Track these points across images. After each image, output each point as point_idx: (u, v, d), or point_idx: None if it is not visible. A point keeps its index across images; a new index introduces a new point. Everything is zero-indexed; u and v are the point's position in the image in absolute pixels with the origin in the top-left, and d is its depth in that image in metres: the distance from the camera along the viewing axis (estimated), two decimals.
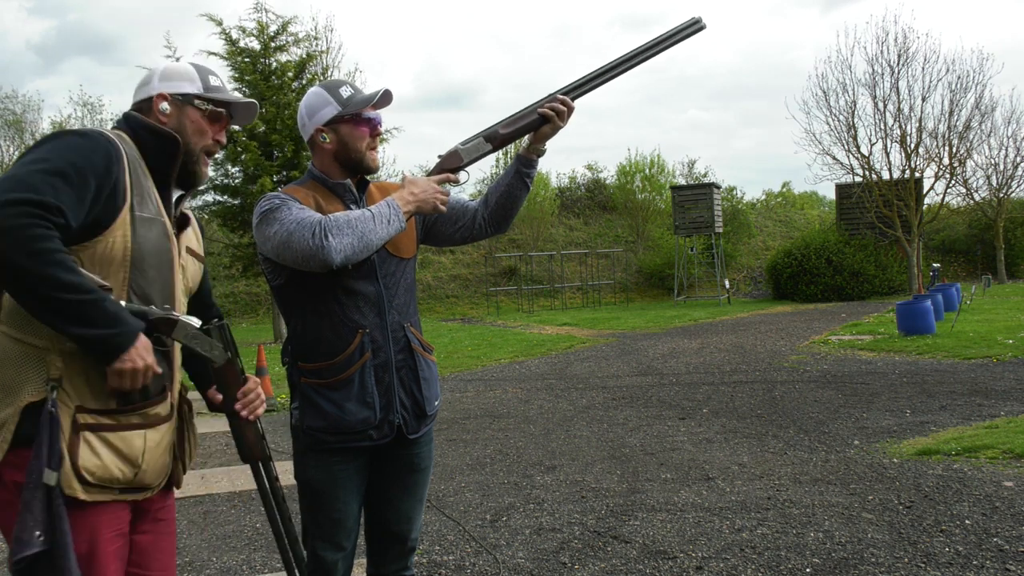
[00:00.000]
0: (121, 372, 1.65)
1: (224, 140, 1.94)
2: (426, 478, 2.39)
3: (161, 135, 1.83)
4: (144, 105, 1.88)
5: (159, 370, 1.72)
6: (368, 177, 2.35)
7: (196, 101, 1.89)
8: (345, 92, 2.22)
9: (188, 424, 1.97)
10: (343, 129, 2.21)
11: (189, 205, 2.04)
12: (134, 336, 1.66)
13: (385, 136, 18.19)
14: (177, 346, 1.87)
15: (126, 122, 1.86)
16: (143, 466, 1.75)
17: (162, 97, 1.87)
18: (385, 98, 2.25)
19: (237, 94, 1.97)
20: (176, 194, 1.90)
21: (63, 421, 1.64)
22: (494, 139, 2.28)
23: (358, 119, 2.21)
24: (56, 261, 1.53)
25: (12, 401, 1.64)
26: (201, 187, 2.09)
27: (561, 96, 2.27)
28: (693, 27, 2.31)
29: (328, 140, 2.22)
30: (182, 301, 1.91)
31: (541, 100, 2.27)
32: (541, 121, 2.27)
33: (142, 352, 1.67)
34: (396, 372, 2.22)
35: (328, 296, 2.16)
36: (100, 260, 1.70)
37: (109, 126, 1.88)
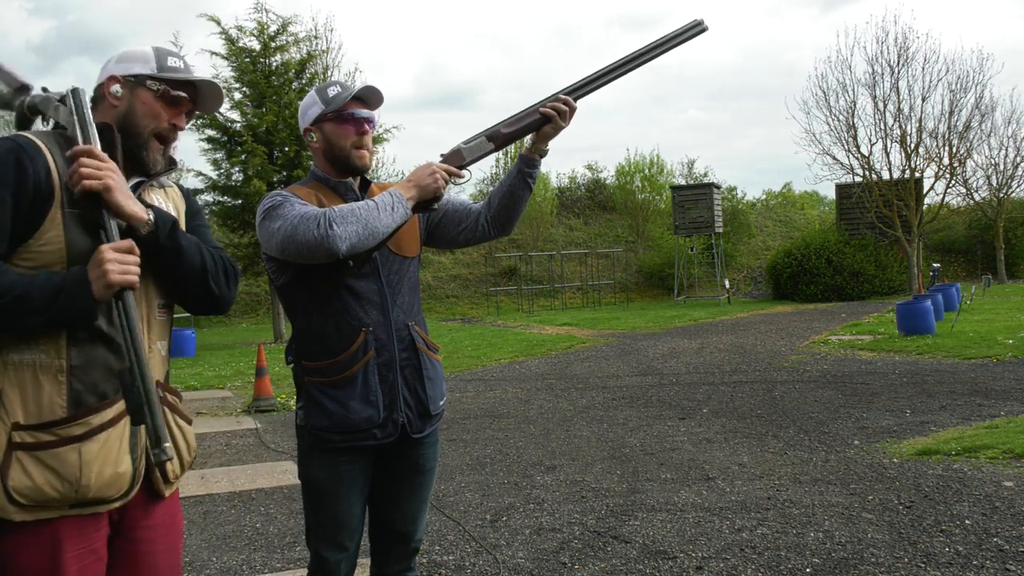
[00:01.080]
0: (109, 288, 1.58)
1: (183, 124, 1.85)
2: (431, 479, 2.38)
3: (131, 134, 1.78)
4: (99, 89, 1.81)
5: (134, 273, 1.62)
6: (371, 178, 2.36)
7: (148, 82, 1.80)
8: (332, 91, 2.23)
9: (171, 425, 1.84)
10: (327, 127, 2.22)
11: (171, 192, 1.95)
12: (80, 279, 1.59)
13: (385, 136, 18.18)
14: (153, 347, 1.79)
15: (64, 102, 1.75)
16: (83, 480, 1.63)
17: (114, 79, 1.79)
18: (370, 96, 2.24)
19: (198, 74, 1.88)
20: (134, 181, 1.80)
21: None
22: (496, 138, 2.28)
23: (340, 117, 2.21)
24: None
25: None
26: (171, 173, 1.98)
27: (563, 96, 2.27)
28: (695, 29, 2.31)
29: (316, 139, 2.25)
30: (153, 290, 1.81)
31: (543, 100, 2.27)
32: (543, 121, 2.27)
33: (105, 266, 1.59)
34: (400, 371, 2.21)
35: (332, 294, 2.17)
36: (39, 264, 1.63)
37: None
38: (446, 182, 2.18)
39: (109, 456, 1.67)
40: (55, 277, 1.59)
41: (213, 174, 17.42)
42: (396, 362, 2.20)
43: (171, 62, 1.83)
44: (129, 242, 1.63)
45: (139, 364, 1.58)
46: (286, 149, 17.09)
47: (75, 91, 1.66)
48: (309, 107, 2.25)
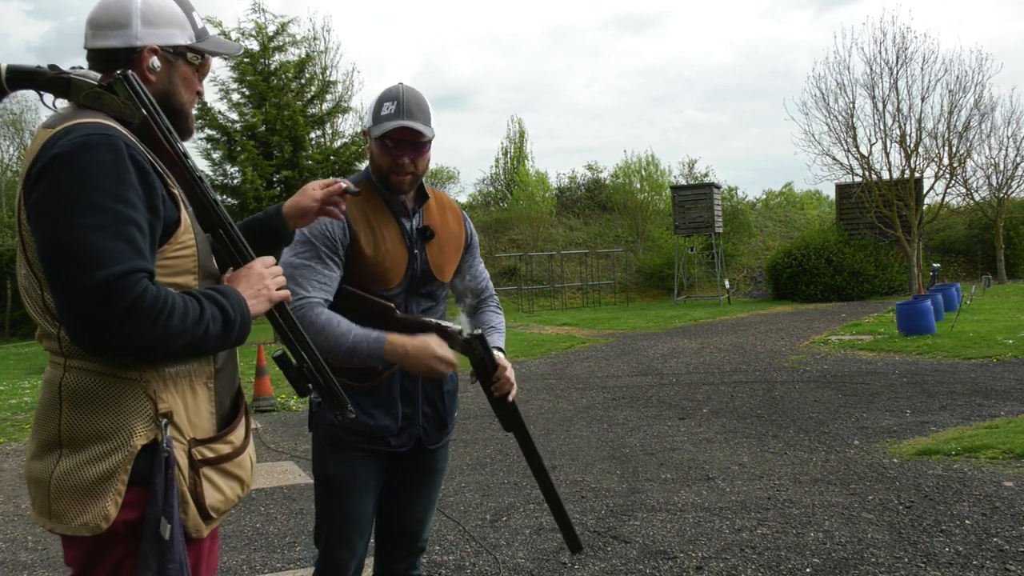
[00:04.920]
0: (271, 303, 1.55)
1: (203, 90, 1.67)
2: (441, 480, 2.42)
3: (173, 112, 1.58)
4: (121, 56, 1.52)
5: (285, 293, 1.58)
6: (429, 188, 2.30)
7: (189, 55, 1.58)
8: (385, 109, 2.12)
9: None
10: (373, 144, 2.17)
11: None
12: (239, 303, 1.47)
13: None
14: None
15: (116, 90, 1.44)
16: (251, 482, 1.63)
17: (152, 51, 1.52)
18: (402, 133, 2.10)
19: (222, 39, 1.69)
20: None
21: (179, 460, 1.44)
22: (484, 361, 2.16)
23: (378, 139, 2.14)
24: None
25: (120, 445, 1.40)
26: None
27: (504, 393, 2.20)
28: (572, 543, 2.33)
29: (367, 145, 2.21)
30: None
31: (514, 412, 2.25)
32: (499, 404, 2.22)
33: (267, 281, 1.54)
34: (422, 384, 2.24)
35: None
36: (174, 272, 1.47)
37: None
38: (439, 372, 2.08)
39: (254, 452, 1.69)
40: (216, 297, 1.45)
41: (210, 171, 17.43)
42: (419, 376, 2.21)
43: (200, 23, 1.62)
44: (272, 259, 1.60)
45: (308, 345, 1.63)
46: (284, 150, 17.09)
47: (128, 76, 1.43)
48: (368, 111, 2.18)
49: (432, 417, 2.27)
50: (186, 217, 1.49)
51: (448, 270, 2.30)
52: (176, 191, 1.48)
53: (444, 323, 2.14)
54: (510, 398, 2.20)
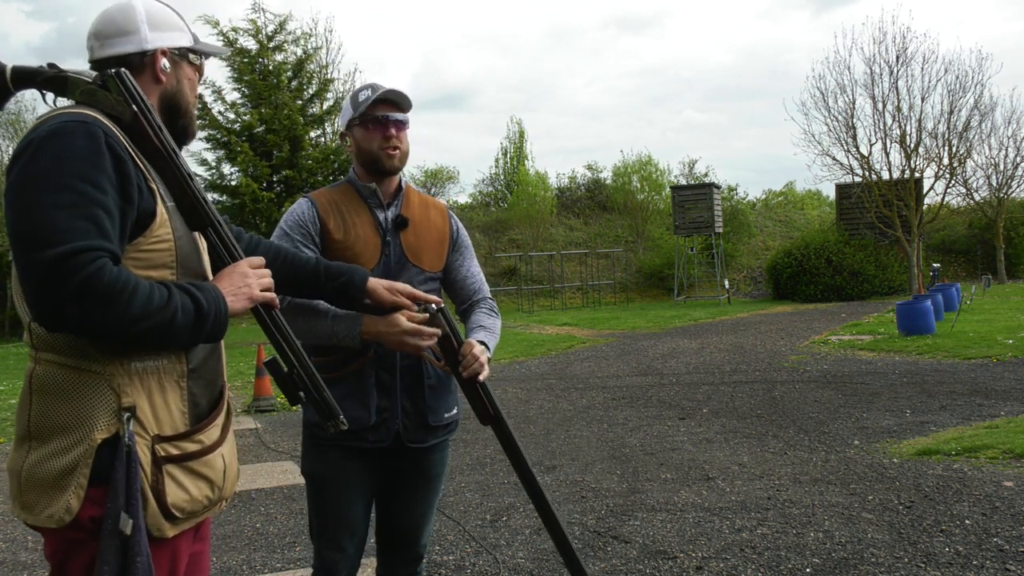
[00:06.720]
0: (252, 302, 1.54)
1: (199, 91, 1.75)
2: (438, 485, 2.36)
3: (179, 111, 1.64)
4: (134, 60, 1.57)
5: (269, 287, 1.57)
6: (411, 181, 2.35)
7: (191, 56, 1.65)
8: (363, 96, 2.24)
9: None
10: (357, 132, 2.25)
11: None
12: (216, 297, 1.46)
13: None
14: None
15: (109, 87, 1.47)
16: (225, 483, 1.62)
17: (163, 54, 1.59)
18: (396, 98, 2.22)
19: (211, 41, 1.79)
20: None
21: (142, 456, 1.43)
22: (448, 337, 2.13)
23: (367, 120, 2.21)
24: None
25: (82, 439, 1.41)
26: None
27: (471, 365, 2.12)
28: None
29: (349, 143, 2.29)
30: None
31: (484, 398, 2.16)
32: (468, 386, 2.16)
33: (251, 280, 1.54)
34: (400, 376, 2.18)
35: None
36: (149, 266, 1.47)
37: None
38: (415, 346, 2.06)
39: (233, 455, 1.68)
40: (190, 288, 1.44)
41: (205, 173, 17.44)
42: (397, 367, 2.18)
43: (192, 27, 1.70)
44: (261, 259, 1.61)
45: (299, 352, 1.61)
46: (282, 150, 17.09)
47: (120, 74, 1.46)
48: (344, 112, 2.29)
49: (412, 413, 2.19)
50: (163, 211, 1.48)
51: (427, 258, 2.28)
52: (155, 186, 1.48)
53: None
54: (481, 378, 2.12)
